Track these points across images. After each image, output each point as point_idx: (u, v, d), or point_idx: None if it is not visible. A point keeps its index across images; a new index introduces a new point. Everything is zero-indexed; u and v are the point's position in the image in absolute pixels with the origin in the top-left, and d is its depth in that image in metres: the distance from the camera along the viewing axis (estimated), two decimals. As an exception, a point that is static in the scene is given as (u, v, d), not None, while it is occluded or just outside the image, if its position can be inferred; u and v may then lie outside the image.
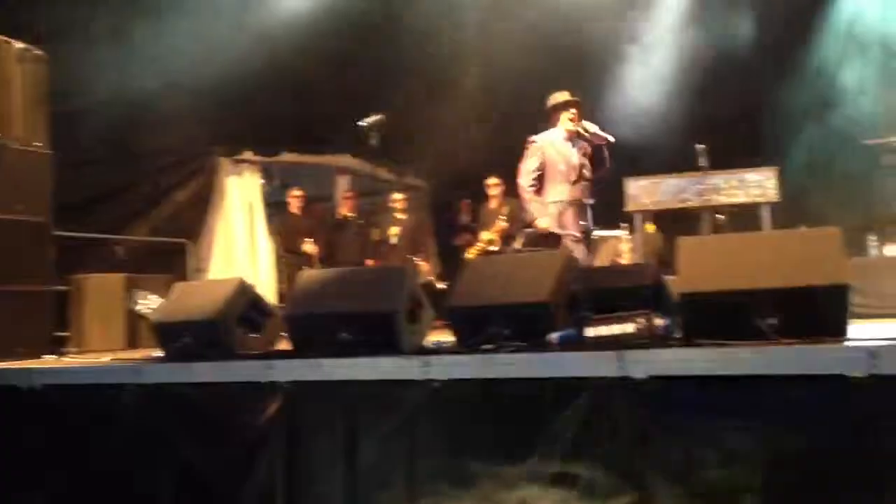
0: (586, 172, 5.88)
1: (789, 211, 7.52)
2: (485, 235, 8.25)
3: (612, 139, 5.86)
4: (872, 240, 7.02)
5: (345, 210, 9.09)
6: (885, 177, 7.44)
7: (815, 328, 3.12)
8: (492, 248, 8.12)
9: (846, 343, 3.05)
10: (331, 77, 8.69)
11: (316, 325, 4.12)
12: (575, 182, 5.84)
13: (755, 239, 4.36)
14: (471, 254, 8.16)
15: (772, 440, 2.94)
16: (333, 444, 3.79)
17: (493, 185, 8.47)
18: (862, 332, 3.23)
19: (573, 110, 5.88)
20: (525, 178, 5.89)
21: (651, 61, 9.02)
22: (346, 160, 9.73)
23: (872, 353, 2.86)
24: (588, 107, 6.11)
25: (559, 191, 5.83)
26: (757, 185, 7.34)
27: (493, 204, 8.45)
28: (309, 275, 4.82)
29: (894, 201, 7.33)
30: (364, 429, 3.76)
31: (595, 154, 5.91)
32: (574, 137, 5.90)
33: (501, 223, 8.16)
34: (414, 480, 3.63)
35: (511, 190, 8.52)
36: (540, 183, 5.87)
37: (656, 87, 8.84)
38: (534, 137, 5.95)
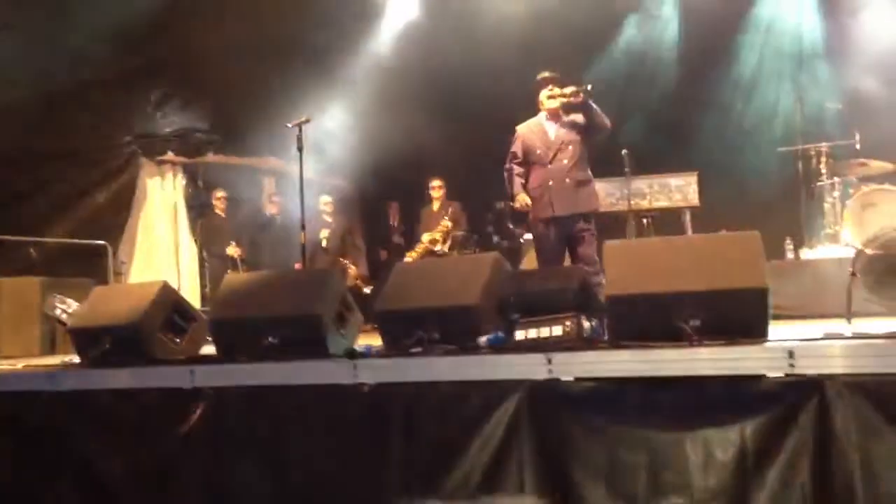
0: (571, 148, 5.72)
1: (709, 215, 7.74)
2: (426, 237, 8.26)
3: (588, 87, 5.64)
4: (789, 243, 7.26)
5: (271, 212, 8.97)
6: (799, 183, 7.69)
7: (737, 329, 3.19)
8: (436, 248, 8.13)
9: (766, 344, 3.13)
10: (259, 78, 8.57)
11: (241, 329, 4.04)
12: (551, 162, 5.72)
13: (678, 242, 4.46)
14: (412, 256, 8.15)
15: (696, 441, 2.99)
16: (259, 451, 3.71)
17: (437, 186, 8.50)
18: (780, 332, 3.32)
19: (550, 87, 5.76)
20: (507, 163, 5.94)
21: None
22: (271, 162, 9.59)
23: (790, 353, 2.95)
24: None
25: (536, 175, 5.78)
26: (679, 190, 7.55)
27: (435, 206, 8.47)
28: (234, 278, 4.72)
29: (808, 206, 7.59)
30: (291, 434, 3.69)
31: (587, 118, 5.72)
32: (558, 114, 5.80)
33: (446, 224, 8.19)
34: (340, 485, 3.58)
35: (451, 192, 8.58)
36: (525, 168, 5.85)
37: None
38: (518, 127, 5.96)
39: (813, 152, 7.48)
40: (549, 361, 3.28)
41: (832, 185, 7.23)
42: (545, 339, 3.50)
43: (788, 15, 8.76)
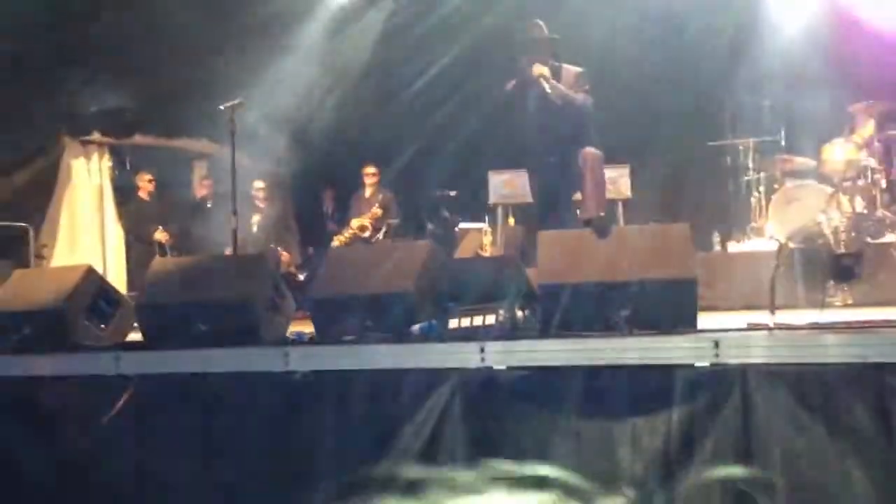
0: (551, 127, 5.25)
1: (641, 207, 7.87)
2: (354, 222, 8.21)
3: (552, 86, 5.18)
4: (717, 236, 7.44)
5: (202, 196, 8.79)
6: (727, 177, 7.88)
7: (666, 320, 3.26)
8: (363, 234, 8.10)
9: (693, 334, 3.20)
10: (192, 58, 8.36)
11: (170, 315, 3.96)
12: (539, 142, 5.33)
13: (612, 233, 4.52)
14: (339, 242, 8.10)
15: (625, 429, 3.04)
16: (187, 440, 3.64)
17: (370, 173, 8.45)
18: (707, 323, 3.40)
19: (539, 57, 5.29)
20: None
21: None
22: (203, 145, 9.40)
23: (716, 343, 3.02)
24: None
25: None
26: (611, 181, 7.62)
27: (367, 192, 8.42)
28: (162, 263, 4.63)
29: (735, 200, 7.79)
30: (220, 423, 3.63)
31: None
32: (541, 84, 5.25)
33: (376, 210, 8.15)
34: (271, 475, 3.53)
35: (388, 180, 8.54)
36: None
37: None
38: None
39: (741, 147, 7.68)
40: (482, 350, 3.29)
41: (758, 179, 7.43)
42: (478, 327, 3.52)
43: (721, 9, 8.92)
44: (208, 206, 8.69)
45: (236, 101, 5.92)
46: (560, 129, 5.25)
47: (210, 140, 9.17)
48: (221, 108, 5.94)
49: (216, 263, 4.64)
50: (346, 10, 9.63)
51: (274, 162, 8.97)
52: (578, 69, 5.43)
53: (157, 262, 4.56)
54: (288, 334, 3.99)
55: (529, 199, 8.11)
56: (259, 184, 8.66)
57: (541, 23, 5.45)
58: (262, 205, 8.62)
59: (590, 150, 5.25)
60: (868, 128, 6.96)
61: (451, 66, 8.96)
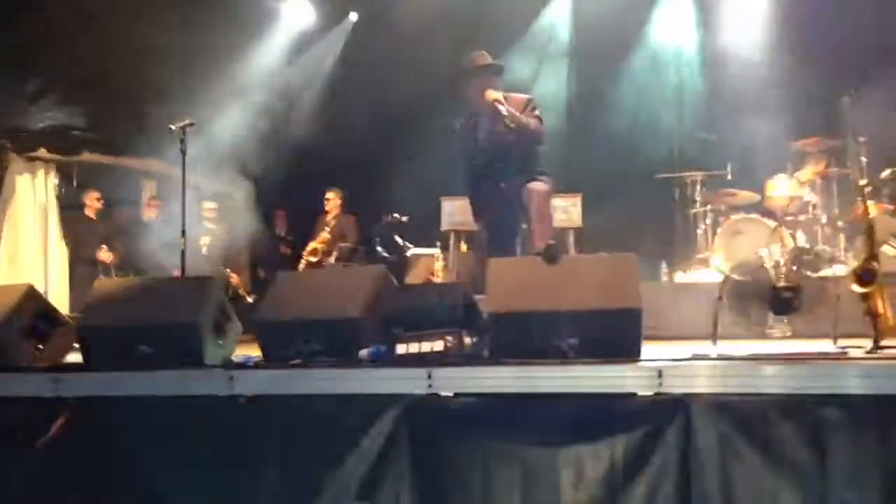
0: (501, 152, 5.16)
1: (593, 237, 7.97)
2: (310, 246, 8.22)
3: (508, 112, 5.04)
4: (664, 266, 7.56)
5: (150, 216, 8.66)
6: (675, 209, 8.03)
7: (612, 349, 3.29)
8: (312, 259, 8.09)
9: (638, 363, 3.24)
10: (143, 78, 8.28)
11: (111, 336, 3.87)
12: (487, 166, 5.23)
13: (561, 262, 4.56)
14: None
15: (569, 457, 3.05)
16: (127, 465, 3.55)
17: (329, 198, 8.46)
18: (652, 352, 3.44)
19: (484, 78, 5.19)
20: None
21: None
22: (153, 164, 9.27)
23: (660, 373, 3.06)
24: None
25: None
26: (563, 210, 7.72)
27: (328, 217, 8.44)
28: (105, 283, 4.54)
29: (683, 232, 7.93)
30: (161, 448, 3.55)
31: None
32: (490, 111, 5.17)
33: (325, 235, 8.15)
34: (214, 500, 3.47)
35: (349, 204, 8.53)
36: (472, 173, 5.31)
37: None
38: None
39: (689, 180, 7.84)
40: (430, 376, 3.29)
41: (705, 212, 7.58)
42: (426, 353, 3.51)
43: (671, 45, 9.15)
44: (156, 226, 8.56)
45: (187, 122, 5.86)
46: (511, 156, 5.18)
47: (159, 159, 9.04)
48: (172, 127, 5.87)
49: (161, 285, 4.56)
50: (305, 33, 9.67)
51: (225, 183, 8.90)
52: (527, 96, 5.39)
53: (100, 283, 4.47)
54: (234, 358, 3.93)
55: (479, 227, 8.18)
56: (210, 204, 8.58)
57: (485, 52, 5.43)
58: (212, 226, 8.53)
59: (534, 186, 5.19)
60: (810, 165, 7.16)
61: (407, 90, 9.03)
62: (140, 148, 8.83)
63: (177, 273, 7.75)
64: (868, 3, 7.75)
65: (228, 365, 3.72)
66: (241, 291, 8.22)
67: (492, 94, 5.07)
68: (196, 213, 8.43)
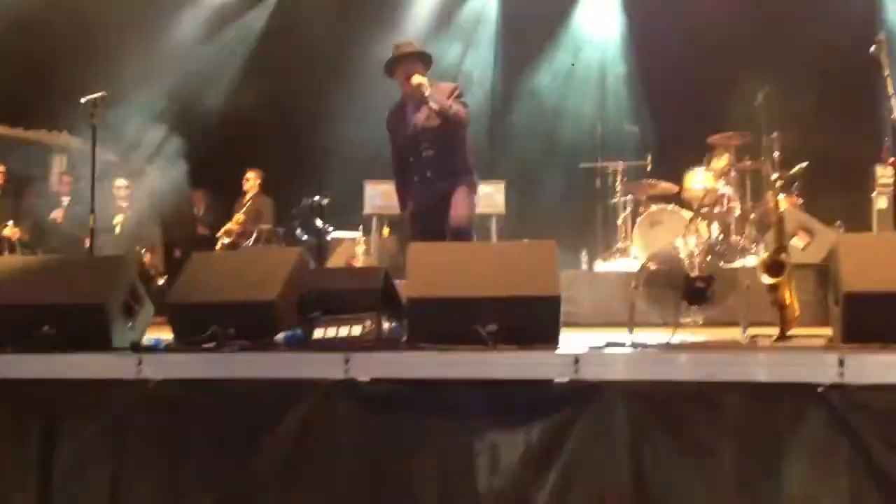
0: (435, 135, 5.17)
1: (515, 224, 8.03)
2: (228, 225, 8.07)
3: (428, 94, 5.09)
4: (585, 255, 7.66)
5: (61, 193, 8.33)
6: (597, 198, 8.14)
7: (530, 335, 3.30)
8: (225, 240, 7.93)
9: (556, 350, 3.26)
10: (53, 49, 7.95)
11: (13, 316, 3.69)
12: (415, 154, 5.24)
13: (481, 248, 4.57)
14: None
15: (485, 443, 3.06)
16: (26, 451, 3.41)
17: (249, 178, 8.30)
18: (570, 339, 3.47)
19: (408, 65, 5.21)
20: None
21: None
22: (64, 138, 8.91)
23: (576, 360, 3.08)
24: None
25: (408, 168, 5.31)
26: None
27: (245, 197, 8.27)
28: (9, 261, 4.33)
29: (604, 221, 8.05)
30: (64, 433, 3.42)
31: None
32: (417, 97, 5.20)
33: (239, 216, 7.99)
34: (120, 490, 3.36)
35: (267, 185, 8.36)
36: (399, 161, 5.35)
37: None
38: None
39: (610, 170, 7.96)
40: (347, 361, 3.25)
41: (625, 202, 7.71)
42: (344, 338, 3.46)
43: (596, 33, 9.25)
44: (66, 202, 8.25)
45: (98, 95, 5.62)
46: (439, 144, 5.21)
47: (70, 134, 8.71)
48: (82, 100, 5.63)
49: (70, 264, 4.38)
50: (226, 8, 9.43)
51: (140, 161, 8.63)
52: (453, 84, 5.44)
53: (4, 260, 4.26)
54: (144, 341, 3.81)
55: (402, 211, 8.13)
56: (122, 182, 8.31)
57: (412, 41, 5.55)
58: (124, 204, 8.27)
59: (460, 183, 5.24)
60: (724, 158, 7.35)
61: (330, 70, 8.92)
62: (50, 121, 8.49)
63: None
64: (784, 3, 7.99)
65: (137, 348, 3.59)
66: (153, 272, 7.98)
67: (416, 79, 5.10)
68: (108, 190, 8.17)
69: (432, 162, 5.21)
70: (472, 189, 5.33)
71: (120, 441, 3.37)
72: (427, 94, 5.05)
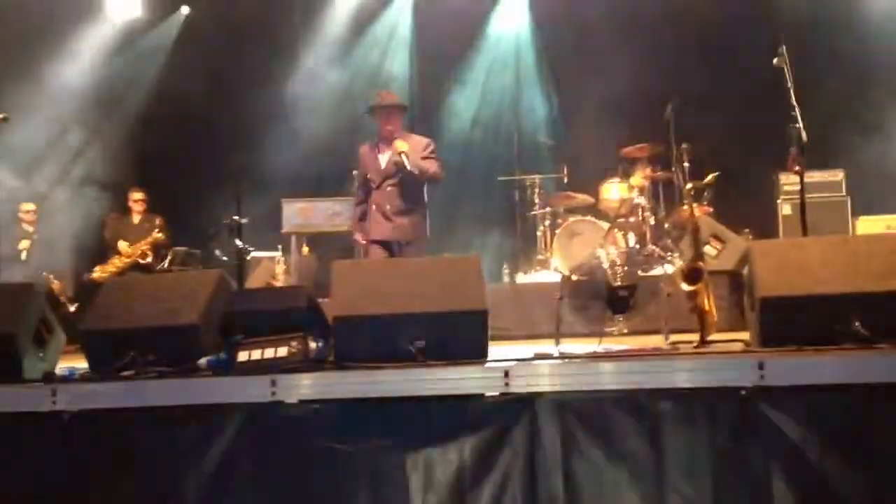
0: (399, 176, 5.85)
1: (435, 239, 8.02)
2: (123, 246, 7.76)
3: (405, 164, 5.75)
4: (506, 268, 7.72)
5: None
6: (516, 211, 8.22)
7: (458, 350, 3.30)
8: (145, 261, 7.69)
9: (485, 364, 3.26)
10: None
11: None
12: (378, 188, 5.91)
13: (405, 264, 4.55)
14: (106, 270, 7.64)
15: (418, 461, 3.03)
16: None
17: (139, 199, 8.03)
18: (497, 353, 3.48)
19: (393, 119, 5.95)
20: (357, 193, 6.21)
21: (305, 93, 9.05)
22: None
23: (506, 373, 3.09)
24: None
25: (370, 198, 5.98)
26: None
27: (136, 219, 7.98)
28: None
29: (523, 234, 8.13)
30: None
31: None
32: (391, 144, 5.88)
33: (157, 235, 7.74)
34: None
35: (153, 205, 8.12)
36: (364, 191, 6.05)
37: (314, 112, 8.92)
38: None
39: (528, 183, 8.05)
40: (273, 384, 3.18)
41: (543, 214, 7.82)
42: (269, 360, 3.38)
43: (510, 44, 9.36)
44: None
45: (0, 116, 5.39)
46: (405, 185, 5.92)
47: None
48: (-16, 121, 5.39)
49: (-27, 292, 4.15)
50: (133, 25, 9.21)
51: (45, 184, 8.32)
52: (427, 139, 6.09)
53: None
54: (57, 370, 3.64)
55: (324, 229, 8.09)
56: (28, 206, 7.98)
57: (392, 91, 6.40)
58: (30, 228, 7.93)
59: (416, 220, 6.00)
60: (639, 169, 7.54)
61: (242, 87, 8.79)
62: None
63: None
64: (691, 15, 8.24)
65: (50, 378, 3.44)
66: (62, 298, 7.67)
67: (399, 146, 5.78)
68: (12, 214, 7.85)
69: (393, 196, 5.89)
70: (424, 221, 6.07)
71: (37, 476, 3.21)
72: (407, 163, 5.71)
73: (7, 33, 7.97)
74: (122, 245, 7.83)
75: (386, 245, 5.91)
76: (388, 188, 5.90)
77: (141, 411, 3.23)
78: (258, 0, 8.96)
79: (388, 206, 5.89)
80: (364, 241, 6.05)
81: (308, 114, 8.83)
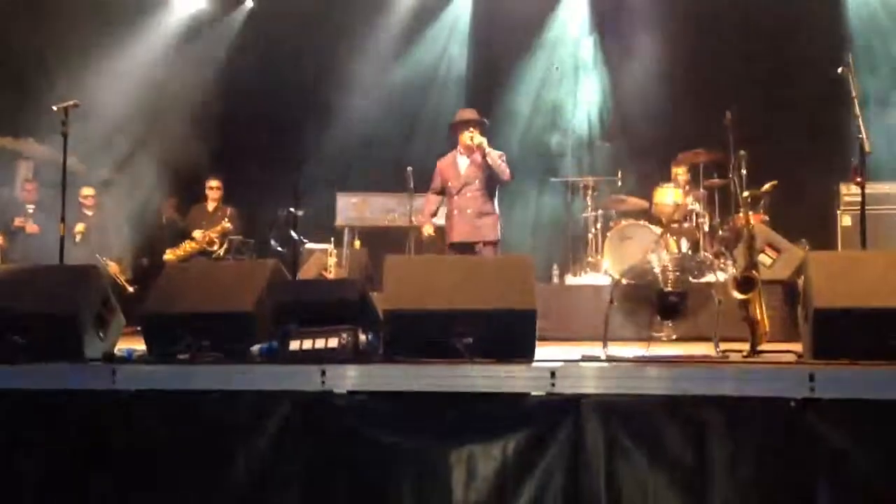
0: (477, 183, 6.39)
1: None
2: (197, 234, 7.93)
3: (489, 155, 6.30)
4: (556, 269, 7.70)
5: (25, 200, 8.20)
6: (568, 213, 8.19)
7: (506, 348, 3.32)
8: (212, 249, 7.85)
9: (532, 363, 3.28)
10: (26, 54, 7.85)
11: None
12: (458, 193, 6.43)
13: (457, 262, 4.59)
14: (175, 255, 7.79)
15: (461, 455, 3.07)
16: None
17: (215, 187, 8.19)
18: (544, 353, 3.50)
19: (471, 129, 6.40)
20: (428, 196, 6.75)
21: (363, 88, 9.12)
22: (29, 145, 8.77)
23: (552, 374, 3.11)
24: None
25: (451, 203, 6.50)
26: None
27: (210, 206, 8.16)
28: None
29: (574, 236, 8.10)
30: (33, 444, 3.37)
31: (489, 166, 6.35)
32: (469, 152, 6.45)
33: (225, 225, 7.89)
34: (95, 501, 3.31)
35: (227, 195, 8.28)
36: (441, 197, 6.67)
37: (372, 108, 8.99)
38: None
39: (581, 185, 8.02)
40: (323, 374, 3.25)
41: (595, 217, 7.77)
42: (320, 350, 3.45)
43: (568, 49, 9.32)
44: (31, 210, 8.11)
45: (70, 103, 5.55)
46: (481, 188, 6.43)
47: (37, 141, 8.58)
48: (54, 108, 5.56)
49: (39, 273, 4.30)
50: (197, 18, 9.38)
51: (109, 168, 8.53)
52: (500, 152, 6.50)
53: (-29, 268, 4.19)
54: (116, 351, 3.77)
55: (377, 223, 8.18)
56: (88, 191, 8.18)
57: (474, 109, 6.75)
58: (90, 213, 8.15)
59: (491, 220, 6.52)
60: (682, 169, 7.47)
61: (303, 80, 8.90)
62: (17, 128, 8.36)
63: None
64: (755, 20, 8.13)
65: (110, 358, 3.56)
66: (121, 281, 7.88)
67: (479, 139, 6.37)
68: (74, 199, 8.06)
69: (472, 200, 6.42)
70: (497, 223, 6.58)
71: (93, 452, 3.33)
72: (487, 152, 6.33)
73: (78, 22, 8.19)
74: (197, 233, 8.00)
75: (467, 247, 6.36)
76: (468, 193, 6.43)
77: (195, 394, 3.32)
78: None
79: (469, 210, 6.40)
80: (432, 234, 6.58)
81: (366, 109, 8.90)
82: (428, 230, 6.58)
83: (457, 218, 6.45)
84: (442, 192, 6.62)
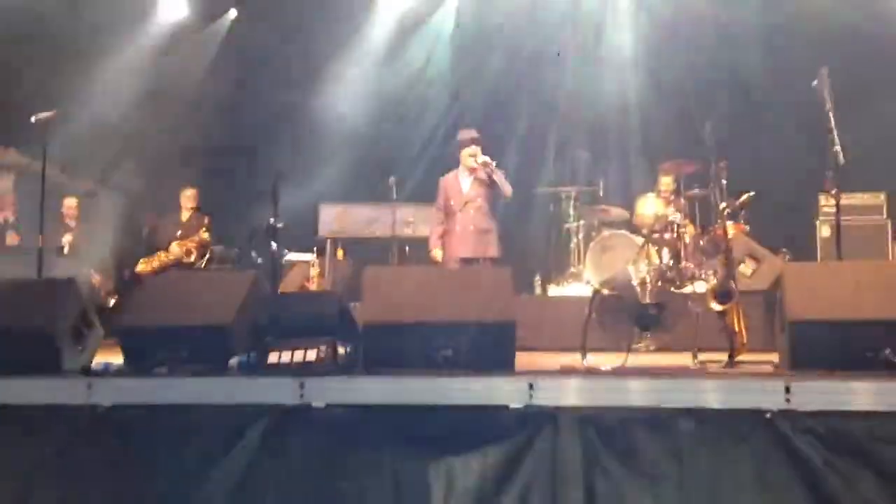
0: (479, 200, 6.55)
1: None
2: (175, 246, 7.86)
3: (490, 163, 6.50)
4: (538, 279, 7.70)
5: (4, 213, 8.14)
6: (550, 223, 8.21)
7: (485, 360, 3.33)
8: (190, 259, 7.78)
9: (511, 375, 3.28)
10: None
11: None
12: (461, 210, 6.56)
13: (436, 274, 4.60)
14: (148, 266, 7.73)
15: (440, 468, 3.06)
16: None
17: (190, 196, 8.13)
18: (523, 364, 3.50)
19: (474, 147, 6.55)
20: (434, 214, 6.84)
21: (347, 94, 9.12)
22: (10, 156, 8.71)
23: (531, 385, 3.11)
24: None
25: (453, 220, 6.60)
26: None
27: (184, 216, 8.09)
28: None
29: (556, 246, 8.11)
30: (13, 458, 3.33)
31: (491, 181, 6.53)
32: (471, 170, 6.59)
33: (203, 235, 7.83)
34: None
35: (206, 206, 8.24)
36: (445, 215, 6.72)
37: (355, 117, 8.99)
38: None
39: (563, 195, 8.03)
40: (302, 386, 3.24)
41: (577, 227, 7.79)
42: (299, 363, 3.44)
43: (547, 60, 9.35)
44: (10, 222, 8.05)
45: (50, 113, 5.53)
46: (482, 204, 6.57)
47: (18, 152, 8.53)
48: (33, 119, 5.53)
49: (17, 287, 4.26)
50: (180, 27, 9.36)
51: (92, 179, 8.49)
52: (501, 170, 6.64)
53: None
54: (93, 365, 3.74)
55: (360, 234, 8.17)
56: (70, 201, 8.13)
57: (473, 128, 6.87)
58: (72, 224, 8.09)
59: (491, 237, 6.64)
60: (669, 179, 7.51)
61: (286, 88, 8.89)
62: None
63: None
64: (733, 32, 8.19)
65: (86, 371, 3.53)
66: (103, 293, 7.82)
67: (484, 159, 6.54)
68: (57, 210, 8.00)
69: (475, 217, 6.56)
70: (497, 239, 6.67)
71: (68, 466, 3.30)
72: (493, 169, 6.51)
73: (58, 32, 8.15)
74: (174, 245, 7.92)
75: (469, 262, 6.45)
76: (471, 211, 6.58)
77: (172, 408, 3.30)
78: (303, 5, 9.06)
79: (471, 226, 6.55)
80: (440, 260, 6.64)
81: (349, 119, 8.91)
82: (437, 254, 6.67)
83: (459, 235, 6.58)
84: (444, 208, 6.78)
